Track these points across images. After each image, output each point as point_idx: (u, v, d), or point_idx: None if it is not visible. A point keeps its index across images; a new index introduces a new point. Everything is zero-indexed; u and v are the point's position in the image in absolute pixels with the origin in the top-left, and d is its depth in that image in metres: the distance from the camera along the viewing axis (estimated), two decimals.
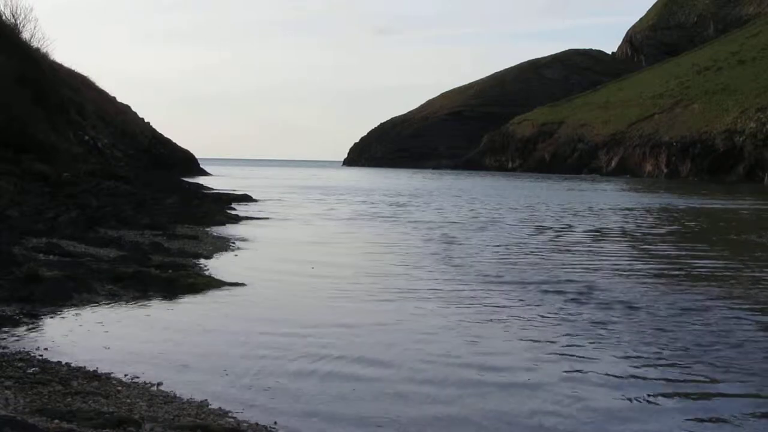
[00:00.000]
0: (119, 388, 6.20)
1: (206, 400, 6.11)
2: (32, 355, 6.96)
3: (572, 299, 10.79)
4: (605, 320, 9.43)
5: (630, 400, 6.44)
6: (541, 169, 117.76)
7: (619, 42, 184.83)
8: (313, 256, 15.56)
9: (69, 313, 8.83)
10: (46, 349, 7.21)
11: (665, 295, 11.27)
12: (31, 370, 6.39)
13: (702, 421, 6.00)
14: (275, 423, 5.69)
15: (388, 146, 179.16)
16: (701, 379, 7.08)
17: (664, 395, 6.58)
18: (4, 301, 8.80)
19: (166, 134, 73.04)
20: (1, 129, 23.67)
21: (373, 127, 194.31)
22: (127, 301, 9.74)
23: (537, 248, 17.45)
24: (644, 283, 12.44)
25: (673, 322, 9.35)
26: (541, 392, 6.58)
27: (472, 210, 31.45)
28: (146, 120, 71.22)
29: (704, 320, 9.45)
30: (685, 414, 6.13)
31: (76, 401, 5.71)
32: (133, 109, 72.03)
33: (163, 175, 43.99)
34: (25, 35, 40.58)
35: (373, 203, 35.75)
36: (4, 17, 38.16)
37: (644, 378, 7.06)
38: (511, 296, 11.07)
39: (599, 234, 21.70)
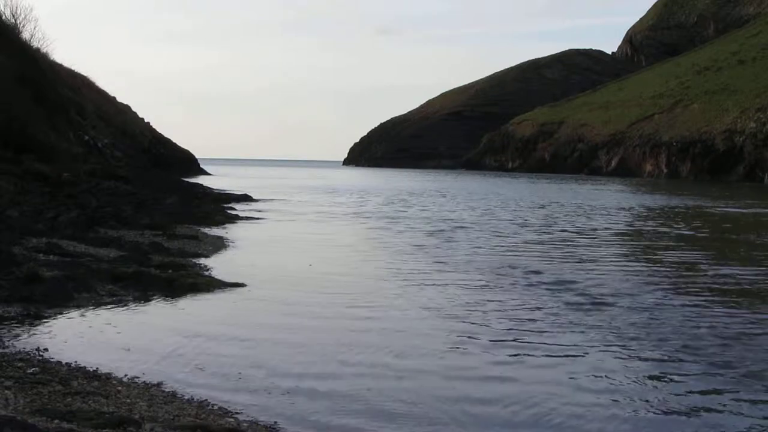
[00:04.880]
0: (119, 388, 6.19)
1: (206, 400, 6.11)
2: (32, 355, 6.96)
3: (578, 300, 10.80)
4: (605, 323, 9.44)
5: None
6: (541, 169, 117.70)
7: (619, 42, 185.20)
8: (313, 254, 15.56)
9: (69, 313, 8.82)
10: (46, 349, 7.21)
11: (664, 292, 11.30)
12: (31, 370, 6.38)
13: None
14: (275, 423, 5.69)
15: (388, 146, 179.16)
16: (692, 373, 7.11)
17: (650, 385, 6.60)
18: (5, 301, 8.80)
19: (166, 134, 73.23)
20: (1, 129, 23.66)
21: (373, 127, 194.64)
22: (127, 301, 9.73)
23: (541, 248, 17.46)
24: (653, 284, 12.45)
25: (666, 320, 9.37)
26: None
27: (473, 210, 31.43)
28: (146, 120, 71.31)
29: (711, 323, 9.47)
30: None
31: (76, 401, 5.70)
32: (133, 109, 72.15)
33: (163, 175, 43.93)
34: (25, 35, 40.73)
35: (372, 202, 35.73)
36: (4, 17, 38.22)
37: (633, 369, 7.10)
38: (511, 297, 11.07)
39: (601, 234, 21.68)
